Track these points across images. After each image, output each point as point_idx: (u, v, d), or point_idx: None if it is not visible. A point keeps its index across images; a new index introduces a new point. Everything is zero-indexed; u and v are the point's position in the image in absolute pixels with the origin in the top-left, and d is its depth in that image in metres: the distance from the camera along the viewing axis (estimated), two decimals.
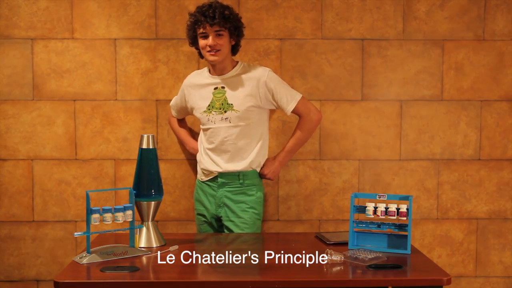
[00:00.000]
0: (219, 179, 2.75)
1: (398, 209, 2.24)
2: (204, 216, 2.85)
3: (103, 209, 2.16)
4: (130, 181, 2.96)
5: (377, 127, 3.31)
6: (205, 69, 2.82)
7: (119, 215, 2.18)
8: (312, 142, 3.28)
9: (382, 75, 3.29)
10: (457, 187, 3.35)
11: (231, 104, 2.67)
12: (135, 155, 2.43)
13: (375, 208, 2.27)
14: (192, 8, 3.19)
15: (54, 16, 3.21)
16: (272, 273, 2.01)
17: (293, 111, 2.79)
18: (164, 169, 3.21)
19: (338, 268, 2.04)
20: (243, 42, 2.88)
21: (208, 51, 2.63)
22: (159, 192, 2.35)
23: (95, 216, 2.13)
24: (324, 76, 3.28)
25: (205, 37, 2.63)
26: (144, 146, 2.34)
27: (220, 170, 2.73)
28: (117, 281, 1.94)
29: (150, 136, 2.34)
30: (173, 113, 3.04)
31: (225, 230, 2.78)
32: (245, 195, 2.75)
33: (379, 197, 2.27)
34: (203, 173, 2.82)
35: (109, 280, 1.94)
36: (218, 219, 2.82)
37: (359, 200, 2.40)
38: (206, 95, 2.73)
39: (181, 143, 3.19)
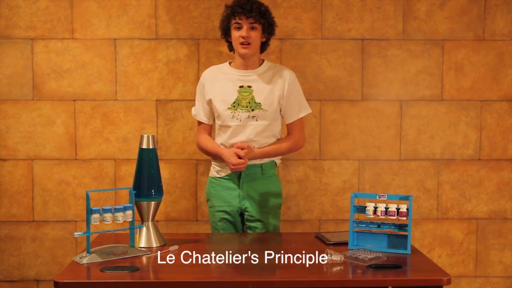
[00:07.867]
0: (243, 172, 2.70)
1: (398, 209, 2.24)
2: (225, 212, 2.75)
3: (103, 209, 2.16)
4: (130, 181, 2.95)
5: (377, 127, 3.31)
6: (225, 64, 2.77)
7: (119, 215, 2.18)
8: (312, 142, 3.28)
9: (382, 75, 3.29)
10: (457, 187, 3.35)
11: (259, 103, 2.66)
12: (135, 155, 2.43)
13: (375, 208, 2.27)
14: (192, 8, 3.22)
15: (54, 16, 3.21)
16: (272, 273, 2.01)
17: (289, 124, 2.75)
18: (164, 169, 3.20)
19: (338, 268, 2.04)
20: None
21: (241, 43, 2.64)
22: (159, 192, 2.35)
23: (95, 216, 2.13)
24: (324, 76, 3.28)
25: (239, 28, 2.64)
26: (144, 146, 2.34)
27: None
28: (117, 281, 1.94)
29: (150, 136, 2.34)
30: (203, 119, 2.77)
31: (247, 223, 2.74)
32: (267, 186, 2.74)
33: (379, 197, 2.27)
34: (226, 168, 2.72)
35: (109, 280, 1.94)
36: (241, 213, 2.78)
37: (359, 200, 2.39)
38: (230, 91, 2.69)
39: (224, 159, 2.67)
